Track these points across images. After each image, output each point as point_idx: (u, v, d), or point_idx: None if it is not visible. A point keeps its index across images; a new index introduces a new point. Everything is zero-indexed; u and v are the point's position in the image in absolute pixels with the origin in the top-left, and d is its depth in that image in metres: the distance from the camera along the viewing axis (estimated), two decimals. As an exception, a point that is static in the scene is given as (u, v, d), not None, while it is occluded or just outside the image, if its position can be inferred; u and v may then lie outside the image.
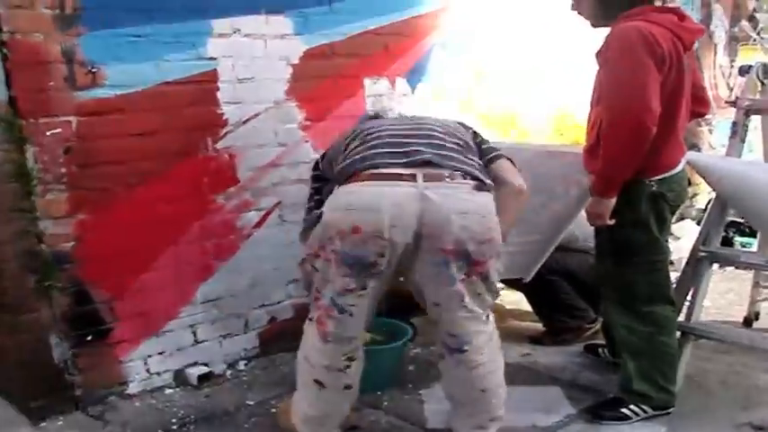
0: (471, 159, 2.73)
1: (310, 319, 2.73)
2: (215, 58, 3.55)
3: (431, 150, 2.65)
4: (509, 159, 2.91)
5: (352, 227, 2.50)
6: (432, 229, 2.53)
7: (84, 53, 3.14)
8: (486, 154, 2.87)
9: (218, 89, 3.57)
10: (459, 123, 3.01)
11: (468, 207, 2.56)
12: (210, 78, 3.54)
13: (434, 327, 2.79)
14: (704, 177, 3.46)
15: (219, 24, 3.54)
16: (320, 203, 2.83)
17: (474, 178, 2.64)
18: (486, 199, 2.64)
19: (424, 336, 3.72)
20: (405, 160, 2.60)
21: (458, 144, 2.78)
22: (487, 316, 2.74)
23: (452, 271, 2.57)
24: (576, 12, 3.14)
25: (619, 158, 2.89)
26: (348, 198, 2.58)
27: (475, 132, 2.99)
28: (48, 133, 3.07)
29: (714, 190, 3.51)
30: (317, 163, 3.18)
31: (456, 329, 2.68)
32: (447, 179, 2.59)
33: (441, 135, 2.77)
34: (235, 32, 3.60)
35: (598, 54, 3.00)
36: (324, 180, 3.07)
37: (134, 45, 3.29)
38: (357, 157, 2.68)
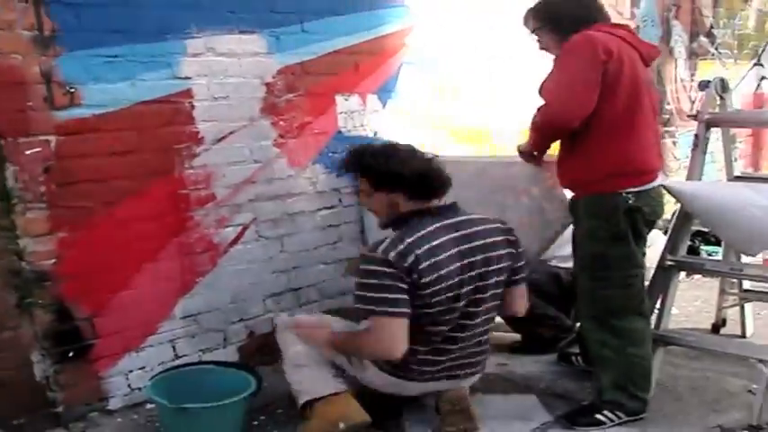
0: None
1: None
2: (190, 77, 3.59)
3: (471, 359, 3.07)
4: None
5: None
6: None
7: (62, 73, 3.18)
8: (515, 273, 3.08)
9: (193, 108, 3.61)
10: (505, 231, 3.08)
11: None
12: (186, 97, 3.59)
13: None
14: (678, 201, 3.56)
15: (193, 44, 3.59)
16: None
17: None
18: None
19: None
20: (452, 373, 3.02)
21: None
22: None
23: None
24: (544, 50, 3.30)
25: (546, 130, 3.20)
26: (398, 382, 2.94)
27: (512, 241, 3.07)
28: (27, 152, 3.09)
29: (689, 210, 3.59)
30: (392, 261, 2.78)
31: None
32: None
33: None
34: (209, 51, 3.65)
35: (555, 59, 3.17)
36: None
37: (110, 65, 3.33)
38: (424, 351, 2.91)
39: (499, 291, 3.01)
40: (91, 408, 3.39)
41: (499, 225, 3.03)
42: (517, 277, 3.09)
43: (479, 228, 2.96)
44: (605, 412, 3.19)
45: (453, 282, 2.81)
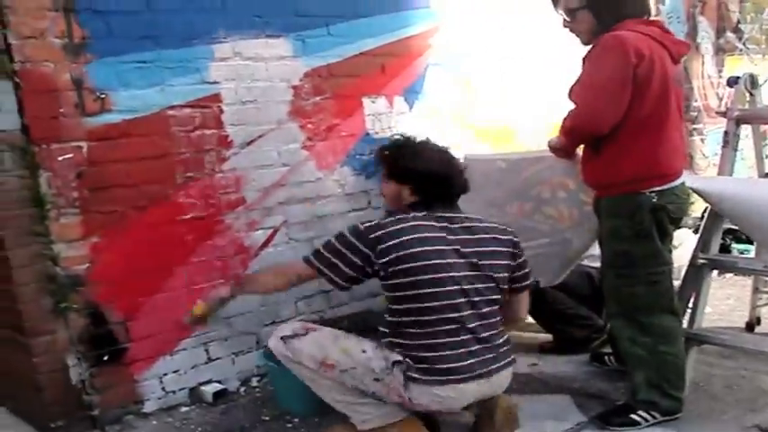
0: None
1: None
2: (218, 82, 3.63)
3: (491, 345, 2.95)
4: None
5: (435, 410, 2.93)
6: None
7: (93, 80, 3.22)
8: (516, 282, 3.11)
9: (222, 112, 3.64)
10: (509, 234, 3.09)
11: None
12: (214, 101, 3.62)
13: None
14: (705, 200, 3.54)
15: (221, 48, 3.62)
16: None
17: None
18: None
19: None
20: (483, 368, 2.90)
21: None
22: None
23: None
24: (569, 28, 3.23)
25: (576, 134, 3.18)
26: (442, 393, 2.84)
27: (516, 253, 3.09)
28: (60, 159, 3.14)
29: (716, 210, 3.57)
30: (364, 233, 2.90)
31: None
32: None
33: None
34: (236, 56, 3.68)
35: (584, 59, 3.11)
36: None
37: (140, 71, 3.37)
38: (442, 344, 2.84)
39: (498, 285, 2.99)
40: (126, 411, 3.43)
41: (506, 231, 3.06)
42: (518, 285, 3.12)
43: (476, 224, 3.01)
44: (640, 412, 3.17)
45: (432, 263, 2.84)
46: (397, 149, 3.13)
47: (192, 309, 3.44)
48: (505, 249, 3.01)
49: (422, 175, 3.00)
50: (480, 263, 2.92)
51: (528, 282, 3.16)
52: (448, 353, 2.83)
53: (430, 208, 2.97)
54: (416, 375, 2.81)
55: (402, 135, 3.24)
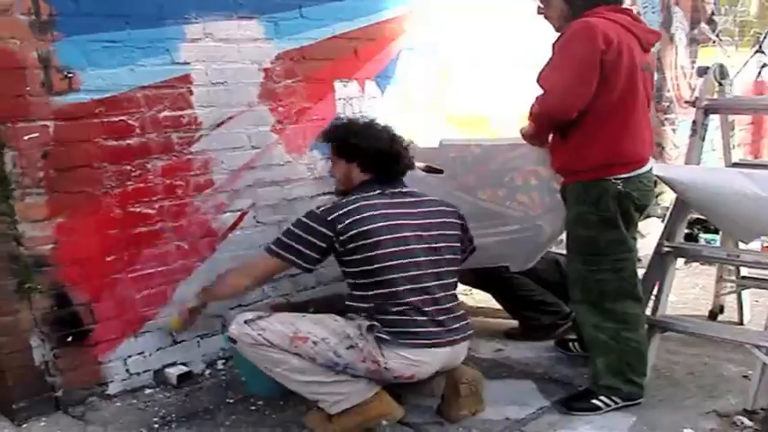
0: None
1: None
2: (188, 63, 3.60)
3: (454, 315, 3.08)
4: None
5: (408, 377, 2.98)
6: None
7: (60, 58, 3.18)
8: (466, 250, 3.32)
9: (191, 93, 3.62)
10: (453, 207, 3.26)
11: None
12: (184, 82, 3.59)
13: None
14: (671, 188, 3.57)
15: (192, 29, 3.59)
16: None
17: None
18: None
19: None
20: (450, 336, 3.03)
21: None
22: None
23: None
24: (542, 15, 3.25)
25: (544, 119, 3.19)
26: (413, 357, 2.94)
27: (463, 224, 3.26)
28: (25, 138, 3.10)
29: (682, 199, 3.61)
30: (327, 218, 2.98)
31: None
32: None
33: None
34: (207, 37, 3.65)
35: (554, 45, 3.13)
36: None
37: (109, 50, 3.33)
38: (410, 310, 2.95)
39: (456, 255, 3.15)
40: (90, 392, 3.42)
41: (450, 204, 3.24)
42: (466, 254, 3.32)
43: (425, 199, 3.18)
44: (602, 397, 3.21)
45: (395, 237, 2.96)
46: (345, 128, 3.26)
47: (169, 323, 3.54)
48: (455, 221, 3.18)
49: (370, 151, 3.11)
50: (438, 234, 3.07)
51: (473, 246, 3.31)
52: (416, 318, 2.93)
53: (381, 185, 3.08)
54: (388, 337, 2.88)
55: (344, 117, 3.38)
